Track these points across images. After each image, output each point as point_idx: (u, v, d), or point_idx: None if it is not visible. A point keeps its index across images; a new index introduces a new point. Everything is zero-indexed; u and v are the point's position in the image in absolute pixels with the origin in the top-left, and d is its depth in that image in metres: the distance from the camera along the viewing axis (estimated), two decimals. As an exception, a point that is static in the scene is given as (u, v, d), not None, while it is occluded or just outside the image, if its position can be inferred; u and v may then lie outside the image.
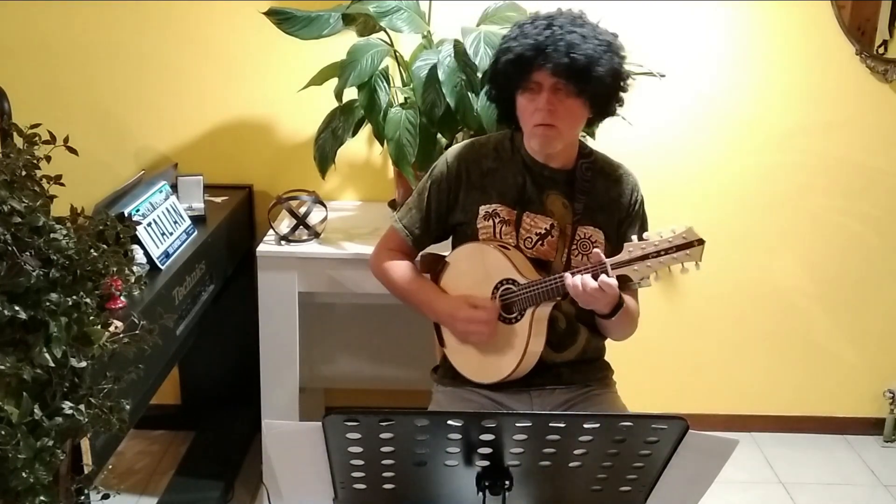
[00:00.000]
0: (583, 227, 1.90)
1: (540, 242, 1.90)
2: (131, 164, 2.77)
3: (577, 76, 1.76)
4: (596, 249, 1.75)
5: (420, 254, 2.07)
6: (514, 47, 1.81)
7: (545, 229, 1.90)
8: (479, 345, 1.89)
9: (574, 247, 1.89)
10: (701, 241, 1.62)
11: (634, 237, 1.70)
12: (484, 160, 1.95)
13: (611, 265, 1.69)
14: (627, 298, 1.87)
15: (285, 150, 2.80)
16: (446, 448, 1.30)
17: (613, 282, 1.69)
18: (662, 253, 1.65)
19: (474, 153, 1.96)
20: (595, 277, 1.71)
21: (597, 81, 1.77)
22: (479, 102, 2.22)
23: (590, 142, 2.28)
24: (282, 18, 2.29)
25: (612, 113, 1.92)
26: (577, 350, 1.94)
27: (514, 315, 1.86)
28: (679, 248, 1.64)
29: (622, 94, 1.88)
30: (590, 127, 2.03)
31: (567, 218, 1.90)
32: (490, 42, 2.18)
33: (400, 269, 2.01)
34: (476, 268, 1.91)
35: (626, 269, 1.69)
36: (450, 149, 2.02)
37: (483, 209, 1.92)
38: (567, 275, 1.74)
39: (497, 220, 1.90)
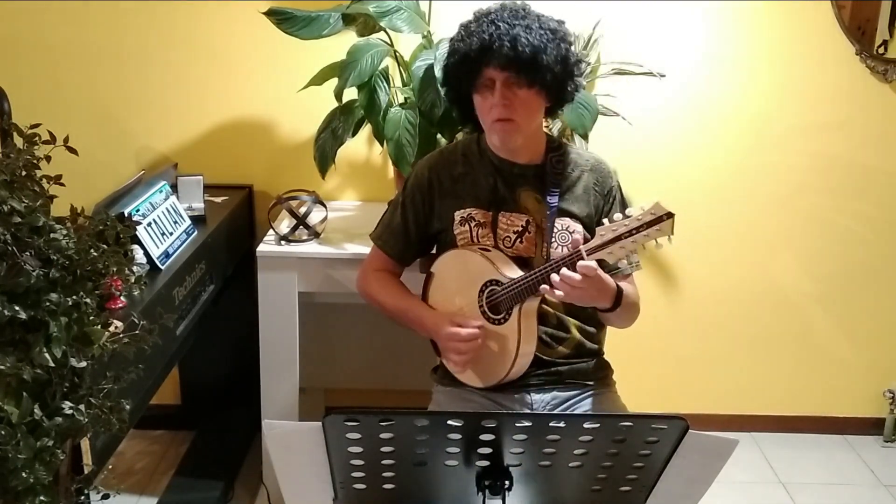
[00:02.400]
0: (560, 219, 1.91)
1: (518, 240, 1.90)
2: (131, 164, 2.77)
3: (526, 68, 1.77)
4: (577, 237, 1.74)
5: (418, 259, 2.08)
6: (460, 48, 1.83)
7: (521, 226, 1.90)
8: (467, 366, 1.89)
9: (554, 240, 1.89)
10: (670, 215, 1.62)
11: (605, 220, 1.70)
12: (454, 166, 1.96)
13: (585, 251, 1.70)
14: (625, 286, 1.87)
15: (285, 150, 2.80)
16: (446, 448, 1.30)
17: (592, 264, 1.69)
18: (634, 232, 1.64)
19: (443, 161, 1.99)
20: (571, 266, 1.70)
21: (545, 70, 1.78)
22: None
23: (592, 140, 2.29)
24: (282, 18, 2.29)
25: (569, 99, 1.93)
26: (571, 344, 1.94)
27: (502, 315, 1.86)
28: (649, 224, 1.63)
29: (576, 79, 1.89)
30: (552, 115, 2.03)
31: (541, 212, 1.91)
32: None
33: (386, 289, 2.03)
34: (460, 274, 1.92)
35: (602, 253, 1.69)
36: (419, 161, 2.04)
37: (458, 214, 1.93)
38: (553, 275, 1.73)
39: (473, 224, 1.92)
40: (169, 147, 2.80)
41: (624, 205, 1.98)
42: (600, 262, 1.71)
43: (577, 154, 1.98)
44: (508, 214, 1.91)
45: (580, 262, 1.70)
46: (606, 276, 1.77)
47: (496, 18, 1.81)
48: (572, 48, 1.86)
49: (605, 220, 1.70)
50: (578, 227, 1.91)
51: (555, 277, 1.72)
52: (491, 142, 1.92)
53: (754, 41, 2.74)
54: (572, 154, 1.97)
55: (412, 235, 2.01)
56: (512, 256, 1.89)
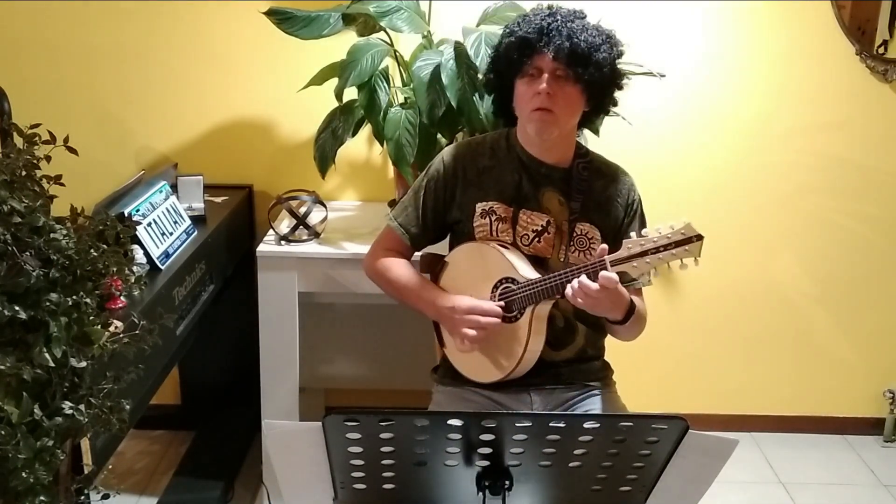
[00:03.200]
0: (580, 224, 1.91)
1: (537, 239, 1.90)
2: (131, 164, 2.77)
3: (578, 61, 1.79)
4: (603, 245, 1.74)
5: (420, 254, 2.07)
6: (517, 31, 1.85)
7: (542, 226, 1.90)
8: (479, 343, 1.88)
9: (572, 244, 1.89)
10: (700, 237, 1.62)
11: (633, 233, 1.69)
12: (480, 158, 1.96)
13: (610, 262, 1.69)
14: (636, 299, 1.87)
15: (285, 150, 2.80)
16: (446, 448, 1.30)
17: (613, 275, 1.68)
18: (661, 249, 1.64)
19: (471, 151, 1.97)
20: (593, 275, 1.70)
21: (596, 67, 1.80)
22: (485, 104, 2.22)
23: (592, 139, 2.29)
24: (282, 18, 2.29)
25: (607, 108, 1.94)
26: (575, 348, 1.94)
27: (514, 314, 1.86)
28: (678, 244, 1.63)
29: (618, 90, 1.90)
30: (585, 125, 2.04)
31: (563, 215, 1.91)
32: (491, 43, 2.18)
33: (398, 268, 2.00)
34: (475, 267, 1.91)
35: (626, 266, 1.68)
36: (446, 148, 2.03)
37: (479, 207, 1.93)
38: (574, 280, 1.72)
39: (493, 218, 1.91)
40: (169, 147, 2.80)
41: (643, 220, 1.98)
42: (619, 274, 1.70)
43: (602, 164, 1.98)
44: (530, 213, 1.91)
45: (603, 273, 1.68)
46: (623, 289, 1.76)
47: (555, 12, 1.84)
48: (621, 59, 1.87)
49: (633, 234, 1.69)
50: (597, 234, 1.91)
51: (574, 284, 1.71)
52: (525, 131, 1.91)
53: (754, 41, 2.74)
54: (598, 163, 1.98)
55: (429, 221, 1.99)
56: (529, 255, 1.89)
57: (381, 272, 2.02)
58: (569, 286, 1.72)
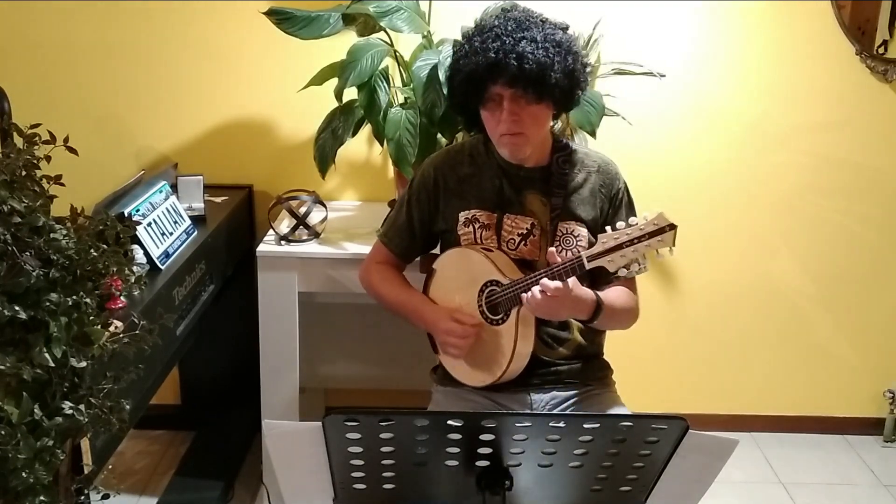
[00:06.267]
0: (563, 222, 1.90)
1: (523, 243, 1.90)
2: (131, 164, 2.77)
3: (533, 84, 1.76)
4: (581, 241, 1.73)
5: (418, 258, 2.09)
6: (465, 66, 1.81)
7: (527, 229, 1.90)
8: (461, 355, 1.90)
9: (557, 243, 1.89)
10: (672, 226, 1.62)
11: (608, 228, 1.69)
12: (460, 167, 1.96)
13: (586, 257, 1.69)
14: (614, 293, 1.87)
15: (285, 150, 2.80)
16: (446, 448, 1.30)
17: (556, 283, 1.69)
18: (636, 241, 1.64)
19: (450, 161, 1.98)
20: (570, 273, 1.70)
21: (553, 86, 1.77)
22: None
23: (589, 141, 2.29)
24: (282, 18, 2.29)
25: (577, 104, 1.92)
26: (573, 346, 1.94)
27: (501, 316, 1.86)
28: (652, 234, 1.63)
29: (582, 84, 1.87)
30: (557, 118, 2.03)
31: (546, 215, 1.91)
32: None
33: (388, 282, 2.03)
34: (461, 272, 1.92)
35: (602, 261, 1.68)
36: (427, 159, 2.04)
37: (462, 215, 1.93)
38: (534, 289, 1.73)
39: (477, 226, 1.91)
40: (169, 147, 2.80)
41: (631, 207, 1.97)
42: (600, 269, 1.70)
43: (583, 155, 1.97)
44: (514, 217, 1.91)
45: (543, 281, 1.69)
46: (582, 291, 1.77)
47: (501, 33, 1.77)
48: (580, 56, 1.83)
49: (608, 228, 1.69)
50: (583, 231, 1.90)
51: (527, 296, 1.72)
52: (500, 153, 1.91)
53: (754, 41, 2.74)
54: (578, 155, 1.96)
55: (416, 233, 2.01)
56: (516, 259, 1.89)
57: (374, 287, 2.05)
58: (525, 301, 1.72)
